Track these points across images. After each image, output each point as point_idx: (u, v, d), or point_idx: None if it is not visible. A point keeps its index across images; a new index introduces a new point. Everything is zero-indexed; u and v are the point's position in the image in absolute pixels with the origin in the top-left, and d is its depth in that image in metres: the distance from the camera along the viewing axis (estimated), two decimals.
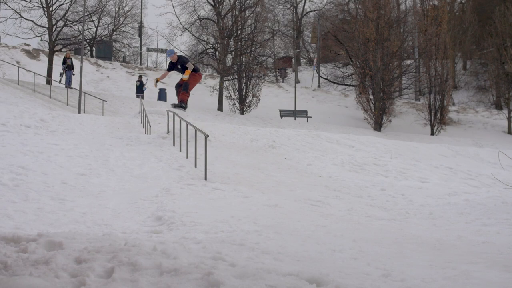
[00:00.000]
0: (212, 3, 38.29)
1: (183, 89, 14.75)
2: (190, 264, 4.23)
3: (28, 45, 46.10)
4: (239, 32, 37.96)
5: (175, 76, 45.49)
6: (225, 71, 36.60)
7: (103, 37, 49.83)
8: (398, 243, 6.45)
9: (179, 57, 14.90)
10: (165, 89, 36.64)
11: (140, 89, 33.38)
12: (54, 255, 4.31)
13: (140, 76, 35.32)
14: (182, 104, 15.02)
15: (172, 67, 14.90)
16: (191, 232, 6.86)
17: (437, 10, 37.91)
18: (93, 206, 8.74)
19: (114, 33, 51.47)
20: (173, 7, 39.91)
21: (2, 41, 45.79)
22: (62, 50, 37.42)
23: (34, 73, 31.31)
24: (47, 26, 35.14)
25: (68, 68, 31.72)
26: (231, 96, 37.01)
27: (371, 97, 36.20)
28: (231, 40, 37.69)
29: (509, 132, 37.52)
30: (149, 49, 55.88)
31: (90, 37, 48.21)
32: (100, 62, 46.61)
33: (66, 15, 36.46)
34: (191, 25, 39.62)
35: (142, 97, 31.44)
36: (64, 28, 37.72)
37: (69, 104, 28.39)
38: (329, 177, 13.21)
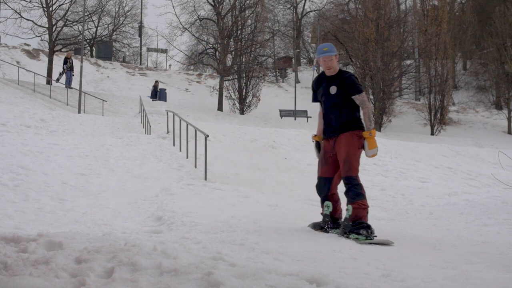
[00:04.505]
0: (212, 3, 38.29)
1: (346, 179, 6.40)
2: (190, 264, 4.22)
3: (28, 45, 46.12)
4: (239, 32, 37.97)
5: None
6: (225, 71, 36.61)
7: (103, 37, 49.85)
8: (398, 243, 6.45)
9: (343, 74, 6.56)
10: (165, 89, 36.70)
11: (154, 93, 34.72)
12: (54, 255, 4.31)
13: (156, 81, 36.26)
14: (365, 227, 6.38)
15: (318, 86, 6.70)
16: (191, 232, 6.86)
17: (437, 10, 37.93)
18: (93, 206, 8.74)
19: (114, 33, 51.49)
20: (173, 7, 39.95)
21: (2, 41, 45.79)
22: (62, 50, 37.45)
23: (34, 73, 31.33)
24: (47, 26, 35.17)
25: (69, 68, 31.78)
26: (231, 96, 37.03)
27: (371, 97, 36.21)
28: (231, 40, 37.69)
29: (509, 132, 37.53)
30: (149, 49, 55.89)
31: (90, 37, 48.23)
32: (100, 62, 46.60)
33: (66, 15, 36.51)
34: (191, 25, 39.64)
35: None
36: (64, 28, 37.76)
37: (69, 104, 28.40)
38: None
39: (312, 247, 5.92)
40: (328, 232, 6.55)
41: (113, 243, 5.02)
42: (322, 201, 6.71)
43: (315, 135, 6.83)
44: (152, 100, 33.18)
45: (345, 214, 6.43)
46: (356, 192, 6.34)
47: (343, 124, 6.46)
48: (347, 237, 6.27)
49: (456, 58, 45.59)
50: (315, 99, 6.83)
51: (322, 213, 6.76)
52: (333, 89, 6.51)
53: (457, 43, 43.75)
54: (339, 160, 6.46)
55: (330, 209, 6.64)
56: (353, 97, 6.44)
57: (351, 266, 4.96)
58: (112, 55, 50.24)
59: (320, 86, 6.71)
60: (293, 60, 52.56)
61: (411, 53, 41.18)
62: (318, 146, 6.80)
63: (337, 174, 6.56)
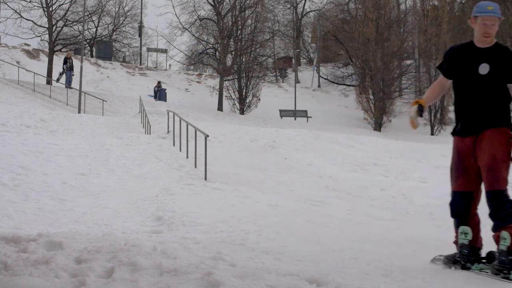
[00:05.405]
0: (212, 3, 38.29)
1: (492, 194, 4.71)
2: (190, 264, 4.23)
3: (28, 45, 46.07)
4: (239, 32, 37.96)
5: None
6: (225, 71, 36.61)
7: (103, 37, 49.85)
8: (398, 243, 6.45)
9: (503, 50, 5.12)
10: (165, 89, 36.69)
11: (157, 94, 35.10)
12: (54, 255, 4.31)
13: (159, 82, 36.42)
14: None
15: (457, 58, 4.92)
16: (191, 232, 6.87)
17: (437, 10, 37.93)
18: (93, 206, 8.75)
19: (114, 33, 51.48)
20: (173, 7, 39.96)
21: (2, 41, 45.77)
22: (62, 50, 37.45)
23: (34, 73, 31.31)
24: (47, 26, 35.17)
25: (69, 68, 31.78)
26: (231, 96, 37.02)
27: (371, 97, 36.22)
28: (231, 40, 37.69)
29: None
30: (149, 49, 55.85)
31: (90, 37, 48.22)
32: (100, 62, 46.60)
33: (66, 15, 36.51)
34: (191, 25, 39.65)
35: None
36: (64, 28, 37.76)
37: (69, 104, 28.39)
38: (329, 177, 13.21)
39: (312, 247, 5.92)
40: (469, 269, 4.71)
41: (113, 243, 5.02)
42: (457, 225, 4.98)
43: (420, 98, 5.19)
44: (155, 101, 33.31)
45: (501, 245, 4.50)
46: (508, 212, 4.51)
47: (489, 117, 4.66)
48: (505, 277, 4.36)
49: None
50: (442, 68, 5.00)
51: (456, 242, 4.95)
52: (484, 68, 4.71)
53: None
54: (481, 167, 4.76)
55: (469, 236, 4.82)
56: (510, 84, 4.68)
57: (351, 266, 4.96)
58: (112, 55, 50.22)
59: (461, 59, 4.80)
60: (293, 60, 52.53)
61: (411, 53, 41.17)
62: (420, 110, 5.13)
63: (479, 189, 4.82)
